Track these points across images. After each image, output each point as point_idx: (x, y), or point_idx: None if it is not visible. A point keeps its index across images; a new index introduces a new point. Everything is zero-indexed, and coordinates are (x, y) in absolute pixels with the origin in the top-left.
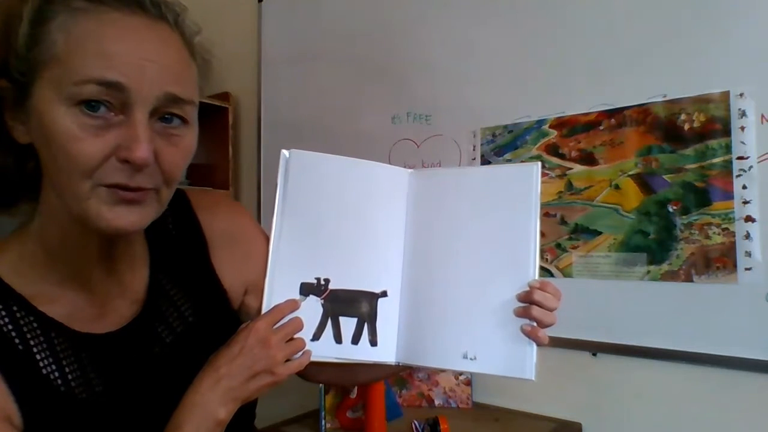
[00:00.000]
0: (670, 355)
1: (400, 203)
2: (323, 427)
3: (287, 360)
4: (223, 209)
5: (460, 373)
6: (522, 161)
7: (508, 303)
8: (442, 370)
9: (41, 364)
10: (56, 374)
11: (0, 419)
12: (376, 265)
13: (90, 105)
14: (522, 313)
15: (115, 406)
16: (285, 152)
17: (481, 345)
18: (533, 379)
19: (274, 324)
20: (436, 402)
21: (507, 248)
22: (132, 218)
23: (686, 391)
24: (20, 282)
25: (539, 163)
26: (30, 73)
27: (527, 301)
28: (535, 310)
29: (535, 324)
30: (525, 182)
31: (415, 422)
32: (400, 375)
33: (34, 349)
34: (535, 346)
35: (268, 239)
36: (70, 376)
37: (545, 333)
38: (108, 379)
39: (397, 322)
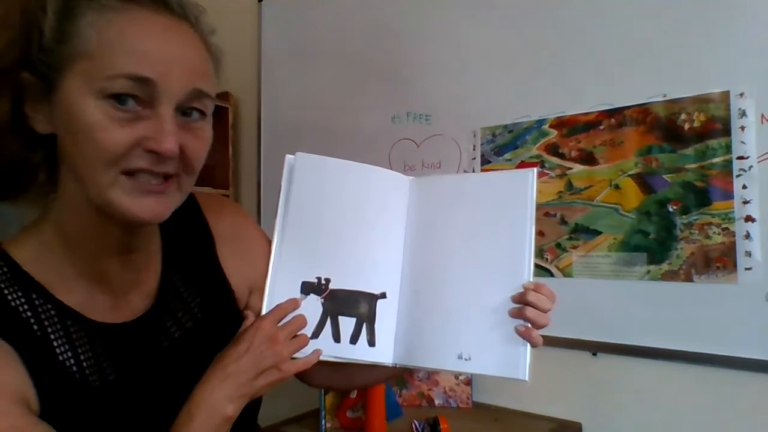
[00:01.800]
0: (670, 355)
1: (401, 208)
2: (323, 427)
3: (293, 357)
4: (228, 211)
5: (460, 373)
6: (522, 161)
7: (503, 304)
8: (438, 371)
9: (58, 351)
10: (72, 361)
11: (18, 402)
12: (376, 267)
13: (120, 98)
14: (516, 314)
15: (126, 395)
16: (290, 156)
17: (476, 346)
18: (526, 379)
19: (278, 321)
20: (436, 402)
21: (503, 251)
22: (157, 209)
23: (686, 391)
24: (39, 270)
25: (535, 170)
26: (58, 66)
27: (522, 302)
28: (530, 311)
29: (529, 325)
30: (521, 188)
31: (415, 422)
32: (401, 375)
33: (51, 336)
34: (528, 347)
35: (269, 242)
36: (84, 364)
37: (539, 334)
38: (120, 368)
39: (395, 324)
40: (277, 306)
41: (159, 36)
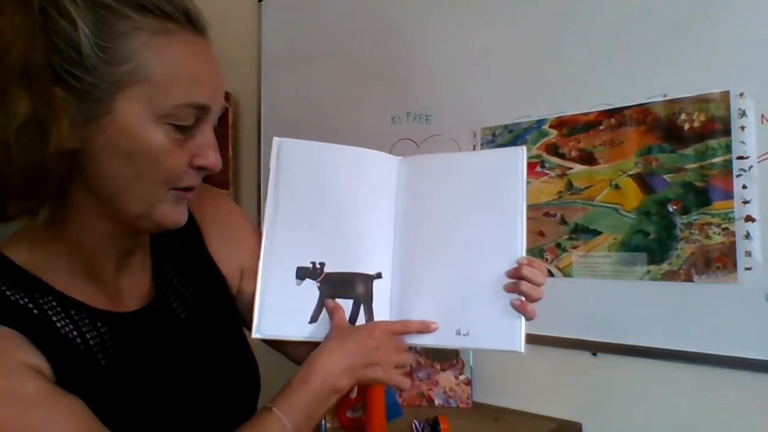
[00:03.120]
0: (670, 355)
1: (391, 188)
2: (323, 427)
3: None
4: (207, 197)
5: (457, 348)
6: None
7: (498, 280)
8: (437, 349)
9: (62, 331)
10: (75, 333)
11: (33, 374)
12: (369, 248)
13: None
14: (511, 289)
15: (131, 380)
16: (277, 139)
17: (473, 321)
18: (522, 351)
19: (398, 333)
20: (436, 402)
21: (496, 228)
22: (186, 212)
23: (686, 391)
24: (35, 269)
25: (524, 147)
26: (110, 87)
27: (516, 277)
28: (524, 285)
29: (523, 299)
30: (512, 165)
31: (415, 422)
32: None
33: (57, 323)
34: (523, 320)
35: (252, 223)
36: (91, 342)
37: (533, 307)
38: (122, 355)
39: (389, 304)
40: (406, 321)
41: (206, 60)
